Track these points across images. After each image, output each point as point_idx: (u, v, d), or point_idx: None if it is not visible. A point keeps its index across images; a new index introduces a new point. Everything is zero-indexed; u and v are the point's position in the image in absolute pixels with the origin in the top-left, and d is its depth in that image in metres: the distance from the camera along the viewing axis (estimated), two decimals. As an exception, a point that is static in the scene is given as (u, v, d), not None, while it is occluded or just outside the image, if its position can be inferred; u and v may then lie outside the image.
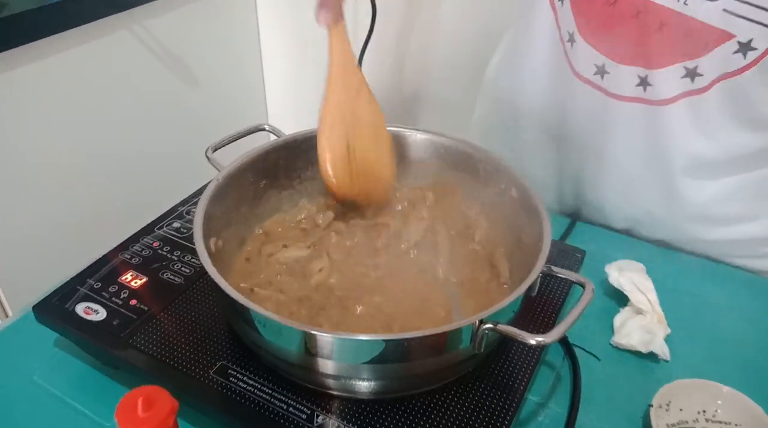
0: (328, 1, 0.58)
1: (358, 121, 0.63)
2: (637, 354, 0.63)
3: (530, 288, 0.49)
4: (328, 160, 0.63)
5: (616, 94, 0.71)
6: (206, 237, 0.54)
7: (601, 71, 0.70)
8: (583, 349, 0.63)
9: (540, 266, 0.50)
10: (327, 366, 0.48)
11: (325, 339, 0.46)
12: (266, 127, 0.68)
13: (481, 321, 0.46)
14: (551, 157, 0.83)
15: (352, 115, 0.63)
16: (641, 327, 0.64)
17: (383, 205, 0.67)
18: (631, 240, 0.80)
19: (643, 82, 0.68)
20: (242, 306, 0.47)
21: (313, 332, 0.45)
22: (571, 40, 0.72)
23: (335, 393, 0.52)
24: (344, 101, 0.62)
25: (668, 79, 0.66)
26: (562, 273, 0.52)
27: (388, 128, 0.67)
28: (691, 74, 0.65)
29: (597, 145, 0.76)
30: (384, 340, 0.46)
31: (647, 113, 0.70)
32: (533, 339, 0.45)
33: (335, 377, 0.49)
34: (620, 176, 0.77)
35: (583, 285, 0.50)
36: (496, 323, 0.47)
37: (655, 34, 0.65)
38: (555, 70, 0.76)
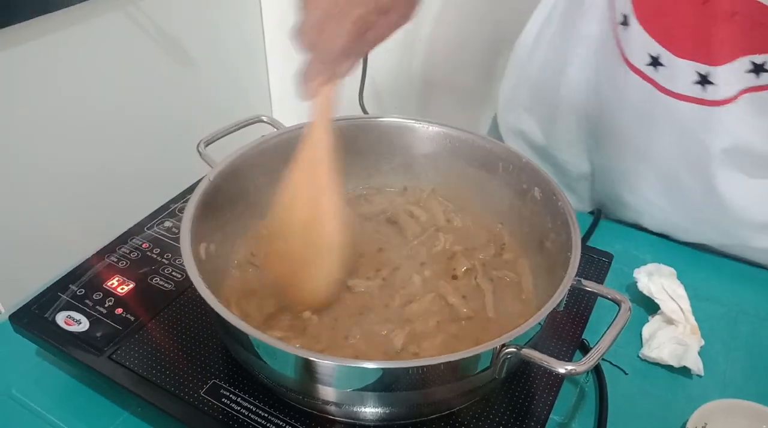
0: (316, 69, 0.48)
1: (300, 222, 0.53)
2: (668, 368, 0.58)
3: (557, 305, 0.44)
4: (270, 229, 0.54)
5: (669, 89, 0.64)
6: (195, 243, 0.49)
7: (656, 62, 0.63)
8: (610, 362, 0.58)
9: (569, 281, 0.44)
10: (329, 393, 0.43)
11: (327, 366, 0.41)
12: (264, 119, 0.62)
13: (503, 346, 0.41)
14: (586, 145, 0.77)
15: (310, 203, 0.53)
16: (673, 338, 0.59)
17: (290, 305, 0.54)
18: (660, 241, 0.74)
19: (704, 80, 0.61)
20: (235, 327, 0.41)
21: (313, 359, 0.40)
22: (625, 23, 0.65)
23: (339, 419, 0.47)
24: (297, 192, 0.53)
25: (732, 74, 0.60)
26: (593, 287, 0.47)
27: (397, 119, 0.61)
28: (758, 69, 0.59)
29: (640, 140, 0.70)
30: (393, 368, 0.41)
31: (701, 112, 0.63)
32: (563, 368, 0.40)
33: (338, 404, 0.44)
34: (662, 175, 0.71)
35: (618, 303, 0.45)
36: (519, 347, 0.41)
37: (724, 24, 0.58)
38: (602, 53, 0.69)
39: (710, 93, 0.62)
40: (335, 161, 0.52)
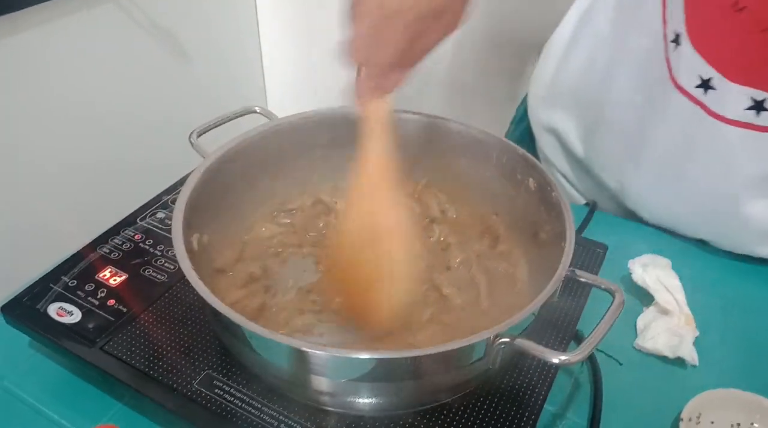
0: (366, 85, 0.47)
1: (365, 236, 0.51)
2: (663, 359, 0.58)
3: (551, 295, 0.44)
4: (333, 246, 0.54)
5: (718, 114, 0.61)
6: (188, 233, 0.49)
7: (706, 85, 0.61)
8: (604, 353, 0.58)
9: (563, 272, 0.44)
10: (322, 384, 0.43)
11: (320, 356, 0.41)
12: (257, 110, 0.62)
13: (497, 336, 0.41)
14: (618, 159, 0.74)
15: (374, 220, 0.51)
16: (667, 329, 0.59)
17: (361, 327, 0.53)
18: (654, 232, 0.74)
19: (758, 106, 0.59)
20: (227, 319, 0.41)
21: (305, 349, 0.40)
22: (677, 41, 0.62)
23: (333, 409, 0.47)
24: (357, 208, 0.52)
25: None
26: (587, 277, 0.47)
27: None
28: None
29: (677, 158, 0.67)
30: (386, 358, 0.40)
31: (753, 139, 0.61)
32: (556, 358, 0.40)
33: (332, 395, 0.44)
34: (697, 196, 0.69)
35: (612, 293, 0.44)
36: (513, 337, 0.41)
37: None
38: (648, 70, 0.66)
39: (763, 119, 0.59)
40: (396, 174, 0.51)
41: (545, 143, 0.83)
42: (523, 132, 0.87)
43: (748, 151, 0.62)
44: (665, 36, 0.63)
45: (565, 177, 0.83)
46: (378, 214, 0.51)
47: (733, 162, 0.64)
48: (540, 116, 0.82)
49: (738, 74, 0.58)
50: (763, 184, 0.64)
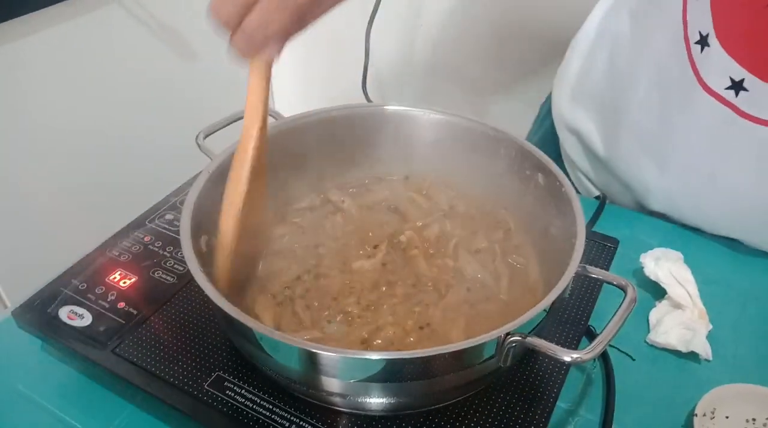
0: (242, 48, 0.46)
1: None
2: (676, 353, 0.58)
3: (562, 292, 0.43)
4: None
5: (751, 115, 0.60)
6: (196, 235, 0.49)
7: (738, 87, 0.59)
8: (617, 348, 0.58)
9: (573, 268, 0.44)
10: (334, 384, 0.43)
11: (331, 357, 0.40)
12: (263, 109, 0.61)
13: (508, 334, 0.41)
14: (643, 163, 0.73)
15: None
16: (680, 323, 0.59)
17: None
18: (666, 226, 0.73)
19: None
20: (236, 320, 0.41)
21: (316, 351, 0.40)
22: (703, 43, 0.60)
23: (344, 410, 0.47)
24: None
25: None
26: (598, 273, 0.46)
27: (398, 107, 0.61)
28: None
29: (710, 165, 0.66)
30: (397, 359, 0.40)
31: None
32: (568, 356, 0.39)
33: (343, 395, 0.44)
34: (729, 197, 0.68)
35: (624, 289, 0.44)
36: (524, 335, 0.41)
37: None
38: (672, 72, 0.65)
39: None
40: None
41: (569, 143, 0.82)
42: (546, 131, 0.86)
43: None
44: (686, 38, 0.62)
45: (588, 177, 0.82)
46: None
47: (764, 163, 0.63)
48: (564, 116, 0.81)
49: None
50: None
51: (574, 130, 0.80)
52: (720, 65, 0.60)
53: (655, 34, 0.66)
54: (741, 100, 0.60)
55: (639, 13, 0.68)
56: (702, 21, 0.60)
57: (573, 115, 0.80)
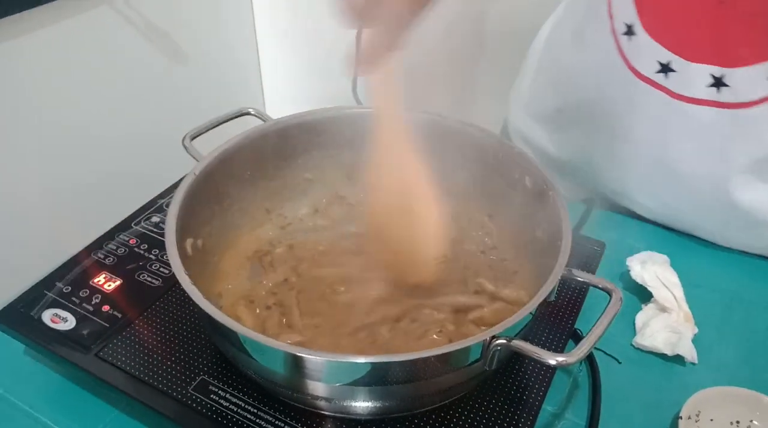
0: (375, 43, 0.44)
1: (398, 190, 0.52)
2: (662, 356, 0.58)
3: (548, 295, 0.43)
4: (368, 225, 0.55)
5: (682, 95, 0.62)
6: (182, 238, 0.48)
7: (666, 69, 0.62)
8: (603, 351, 0.58)
9: (559, 271, 0.44)
10: (319, 388, 0.43)
11: (315, 361, 0.40)
12: (251, 111, 0.61)
13: (493, 338, 0.41)
14: (593, 156, 0.75)
15: (395, 181, 0.52)
16: (666, 326, 0.59)
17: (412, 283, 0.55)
18: (653, 229, 0.73)
19: (718, 83, 0.60)
20: (220, 323, 0.41)
21: (301, 354, 0.40)
22: (630, 32, 0.63)
23: (329, 413, 0.46)
24: (386, 163, 0.52)
25: (750, 79, 0.58)
26: (584, 276, 0.46)
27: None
28: None
29: (653, 146, 0.68)
30: (383, 362, 0.40)
31: (719, 116, 0.62)
32: (553, 360, 0.39)
33: (328, 399, 0.44)
34: (676, 178, 0.69)
35: (609, 293, 0.44)
36: (509, 338, 0.41)
37: (742, 26, 0.57)
38: (609, 63, 0.67)
39: (725, 95, 0.60)
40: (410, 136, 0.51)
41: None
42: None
43: (722, 131, 0.63)
44: (614, 30, 0.65)
45: None
46: (402, 177, 0.51)
47: (706, 143, 0.64)
48: (516, 125, 0.84)
49: (695, 53, 0.60)
50: (754, 167, 0.64)
51: (525, 138, 0.83)
52: (647, 51, 0.63)
53: (588, 34, 0.69)
54: (671, 82, 0.63)
55: (575, 17, 0.71)
56: (626, 12, 0.63)
57: (523, 123, 0.82)
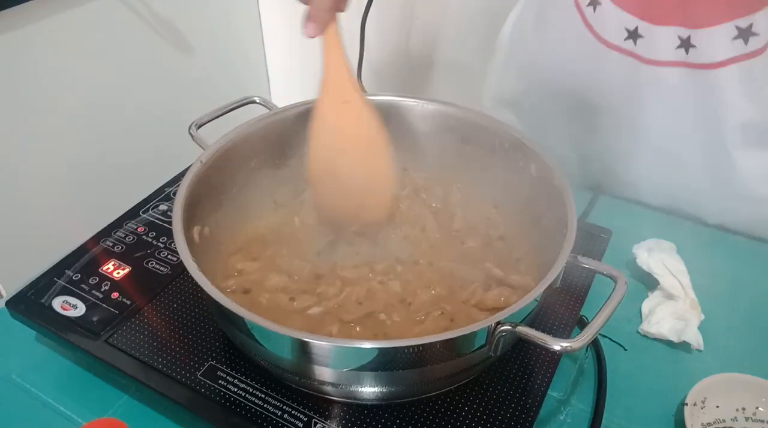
0: (316, 14, 0.51)
1: (345, 134, 0.56)
2: (668, 343, 0.58)
3: (553, 282, 0.44)
4: (312, 173, 0.56)
5: (652, 59, 0.64)
6: (189, 225, 0.49)
7: (634, 35, 0.63)
8: (609, 338, 0.58)
9: (564, 258, 0.44)
10: (326, 374, 0.43)
11: (322, 346, 0.41)
12: (256, 100, 0.62)
13: (498, 323, 0.41)
14: (575, 130, 0.76)
15: (337, 126, 0.55)
16: (672, 313, 0.59)
17: (378, 227, 0.59)
18: (659, 216, 0.73)
19: (685, 44, 0.60)
20: (228, 309, 0.41)
21: (308, 339, 0.40)
22: (594, 3, 0.64)
23: (336, 399, 0.47)
24: (329, 112, 0.55)
25: (716, 39, 0.59)
26: (590, 263, 0.46)
27: (392, 97, 0.61)
28: (745, 35, 0.57)
29: (631, 116, 0.69)
30: (388, 348, 0.40)
31: (691, 78, 0.63)
32: (558, 345, 0.39)
33: (335, 384, 0.44)
34: (658, 149, 0.70)
35: (614, 279, 0.44)
36: (514, 324, 0.41)
37: None
38: (574, 39, 0.68)
39: (693, 56, 0.61)
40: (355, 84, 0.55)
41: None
42: None
43: (691, 89, 0.63)
44: (577, 4, 0.66)
45: None
46: (347, 121, 0.55)
47: (681, 106, 0.65)
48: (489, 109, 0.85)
49: (660, 17, 0.61)
50: (734, 130, 0.64)
51: None
52: (614, 20, 0.64)
53: (552, 13, 0.70)
54: (640, 47, 0.64)
55: (538, 3, 0.72)
56: None
57: (498, 112, 0.82)
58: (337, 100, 0.54)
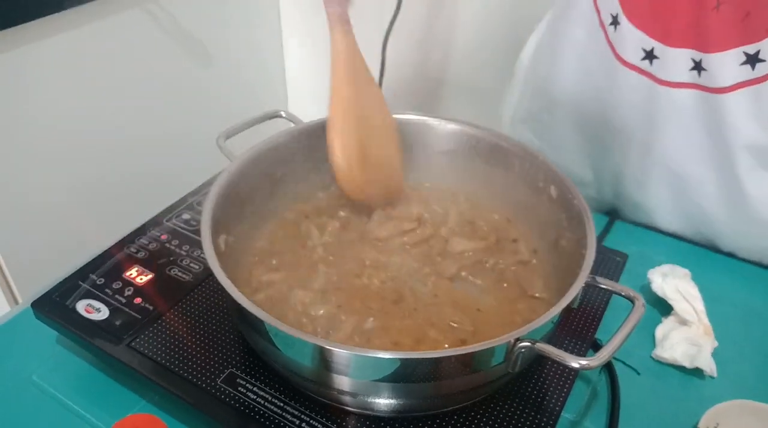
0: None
1: (369, 116, 0.60)
2: (681, 369, 0.58)
3: (572, 301, 0.44)
4: (340, 147, 0.59)
5: (667, 80, 0.65)
6: (215, 234, 0.50)
7: (650, 56, 0.65)
8: (622, 362, 0.58)
9: (584, 277, 0.45)
10: (344, 383, 0.44)
11: (343, 355, 0.41)
12: (283, 114, 0.63)
13: (517, 340, 0.41)
14: (591, 151, 0.78)
15: (362, 109, 0.60)
16: (686, 339, 0.59)
17: (395, 202, 0.64)
18: (674, 242, 0.74)
19: (698, 66, 0.62)
20: (252, 315, 0.42)
21: (329, 347, 0.41)
22: (615, 22, 0.66)
23: (353, 410, 0.48)
24: (353, 96, 0.59)
25: (725, 64, 0.60)
26: (608, 284, 0.47)
27: (415, 117, 0.63)
28: (752, 60, 0.59)
29: (645, 137, 0.70)
30: (409, 359, 0.41)
31: (703, 101, 0.64)
32: (576, 363, 0.40)
33: (353, 394, 0.45)
34: (672, 171, 0.70)
35: (632, 300, 0.45)
36: (533, 341, 0.42)
37: (712, 14, 0.59)
38: (596, 56, 0.70)
39: (705, 79, 0.62)
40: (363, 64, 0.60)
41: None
42: None
43: (703, 112, 0.65)
44: (601, 22, 0.68)
45: None
46: (360, 94, 0.60)
47: (696, 129, 0.66)
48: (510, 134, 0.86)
49: (675, 39, 0.63)
50: (744, 153, 0.65)
51: None
52: (632, 39, 0.66)
53: (571, 25, 0.72)
54: (655, 68, 0.65)
55: (561, 18, 0.74)
56: (611, 3, 0.66)
57: (516, 132, 0.84)
58: (360, 86, 0.59)
